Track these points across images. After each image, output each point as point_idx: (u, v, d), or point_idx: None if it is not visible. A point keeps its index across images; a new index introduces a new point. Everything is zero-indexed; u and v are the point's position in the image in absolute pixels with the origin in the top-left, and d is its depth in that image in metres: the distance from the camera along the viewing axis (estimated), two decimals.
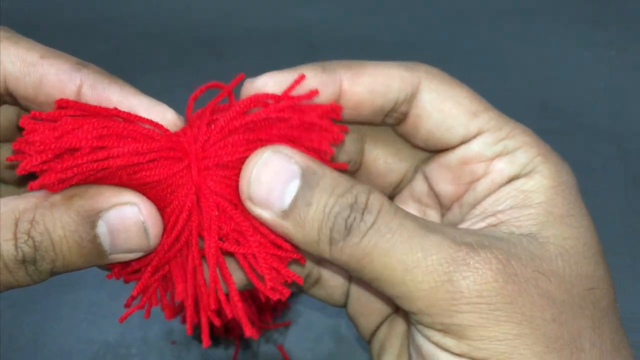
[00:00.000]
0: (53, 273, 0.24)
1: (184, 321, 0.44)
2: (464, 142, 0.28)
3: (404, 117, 0.28)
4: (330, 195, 0.24)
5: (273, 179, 0.25)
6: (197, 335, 0.46)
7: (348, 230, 0.24)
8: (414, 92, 0.28)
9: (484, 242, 0.24)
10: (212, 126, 0.26)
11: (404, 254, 0.23)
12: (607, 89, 0.60)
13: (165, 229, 0.26)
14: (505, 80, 0.61)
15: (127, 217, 0.24)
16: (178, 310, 0.44)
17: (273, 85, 0.26)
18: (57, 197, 0.24)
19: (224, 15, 0.67)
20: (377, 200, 0.24)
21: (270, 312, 0.45)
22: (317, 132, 0.27)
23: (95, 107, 0.25)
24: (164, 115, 0.26)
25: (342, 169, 0.27)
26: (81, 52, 0.66)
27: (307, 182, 0.24)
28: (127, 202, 0.24)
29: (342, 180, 0.25)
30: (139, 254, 0.25)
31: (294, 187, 0.24)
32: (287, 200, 0.24)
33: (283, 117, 0.26)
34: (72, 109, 0.25)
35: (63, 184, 0.24)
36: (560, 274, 0.24)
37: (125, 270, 0.27)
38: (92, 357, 0.45)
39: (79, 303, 0.47)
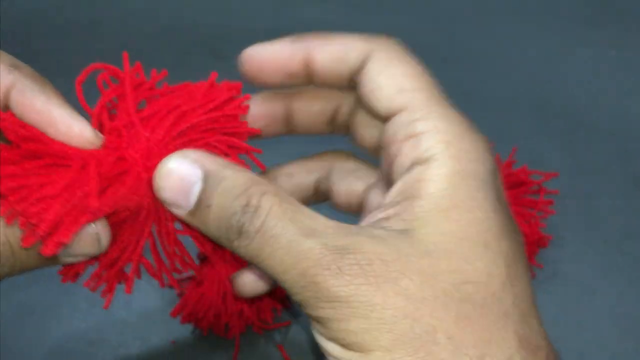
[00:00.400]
0: (9, 275, 0.27)
1: (183, 321, 0.44)
2: (389, 118, 0.30)
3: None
4: (227, 197, 0.27)
5: (179, 184, 0.28)
6: (197, 335, 0.46)
7: (239, 232, 0.27)
8: (365, 61, 0.30)
9: (355, 245, 0.26)
10: (150, 137, 0.28)
11: (282, 259, 0.26)
12: (608, 88, 0.60)
13: (124, 229, 0.29)
14: (505, 80, 0.61)
15: (82, 231, 0.27)
16: (179, 310, 0.44)
17: (259, 55, 0.31)
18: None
19: (225, 15, 0.67)
20: (268, 201, 0.27)
21: (270, 312, 0.45)
22: (230, 113, 0.31)
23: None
24: (82, 133, 0.27)
25: (255, 133, 0.32)
26: (81, 51, 0.67)
27: (208, 184, 0.27)
28: None
29: (241, 182, 0.27)
30: (89, 258, 0.29)
31: (197, 189, 0.27)
32: (192, 201, 0.27)
33: (210, 117, 0.30)
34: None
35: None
36: (425, 271, 0.25)
37: (76, 268, 0.30)
38: (92, 357, 0.45)
39: (78, 303, 0.47)
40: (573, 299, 0.47)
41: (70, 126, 0.27)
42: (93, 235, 0.27)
